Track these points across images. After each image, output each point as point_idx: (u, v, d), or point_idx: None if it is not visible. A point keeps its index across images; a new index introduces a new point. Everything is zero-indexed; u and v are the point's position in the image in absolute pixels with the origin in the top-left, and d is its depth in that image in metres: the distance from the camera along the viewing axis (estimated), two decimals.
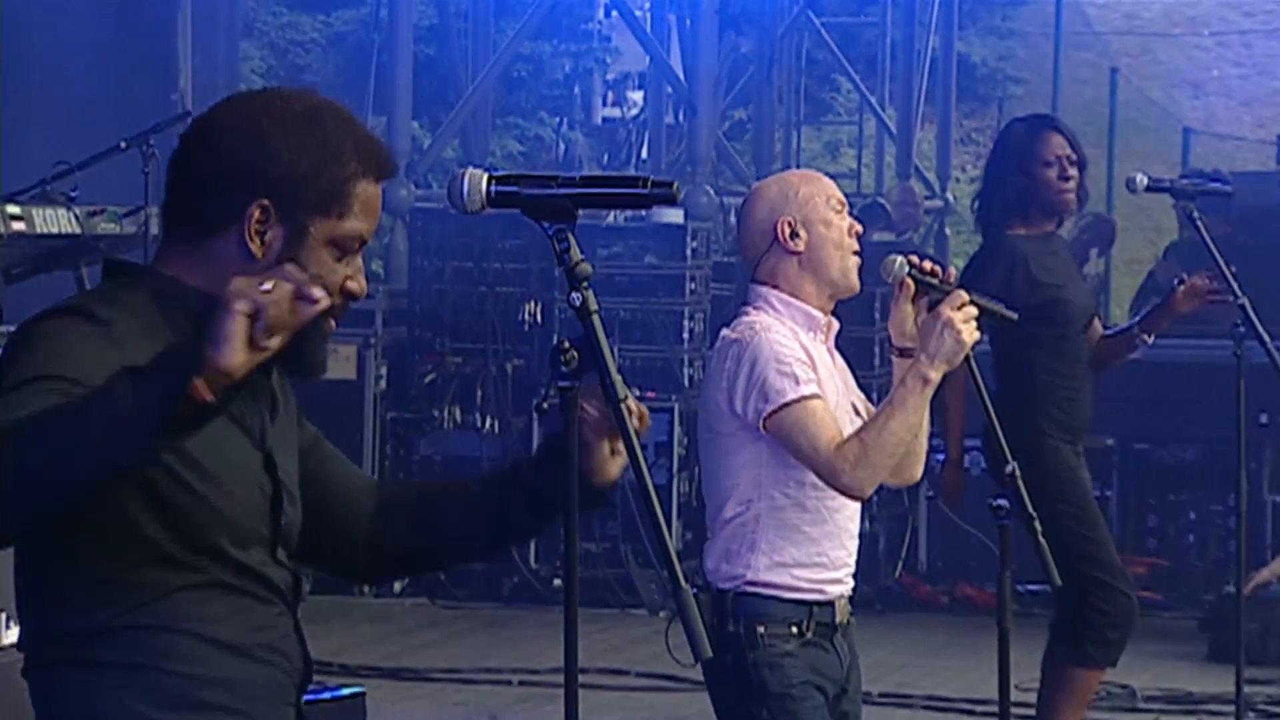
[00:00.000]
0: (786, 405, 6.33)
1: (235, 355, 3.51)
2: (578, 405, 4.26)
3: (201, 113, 4.15)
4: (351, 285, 4.07)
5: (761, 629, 6.40)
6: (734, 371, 6.46)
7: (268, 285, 3.56)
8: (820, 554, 6.56)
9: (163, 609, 3.96)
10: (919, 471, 6.74)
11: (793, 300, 6.58)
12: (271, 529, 4.09)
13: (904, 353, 6.42)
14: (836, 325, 6.65)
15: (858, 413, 6.65)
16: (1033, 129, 9.98)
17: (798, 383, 6.34)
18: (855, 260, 6.65)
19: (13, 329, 8.08)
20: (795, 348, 6.50)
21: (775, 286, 6.60)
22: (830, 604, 6.58)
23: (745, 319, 6.59)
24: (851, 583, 6.73)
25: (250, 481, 4.05)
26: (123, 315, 3.95)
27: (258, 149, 4.01)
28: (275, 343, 3.56)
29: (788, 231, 6.57)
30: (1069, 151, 9.66)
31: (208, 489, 3.96)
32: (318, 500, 4.30)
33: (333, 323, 4.03)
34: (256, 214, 3.98)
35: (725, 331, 6.65)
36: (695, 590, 6.02)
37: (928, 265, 6.51)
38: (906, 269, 6.37)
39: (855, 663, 6.77)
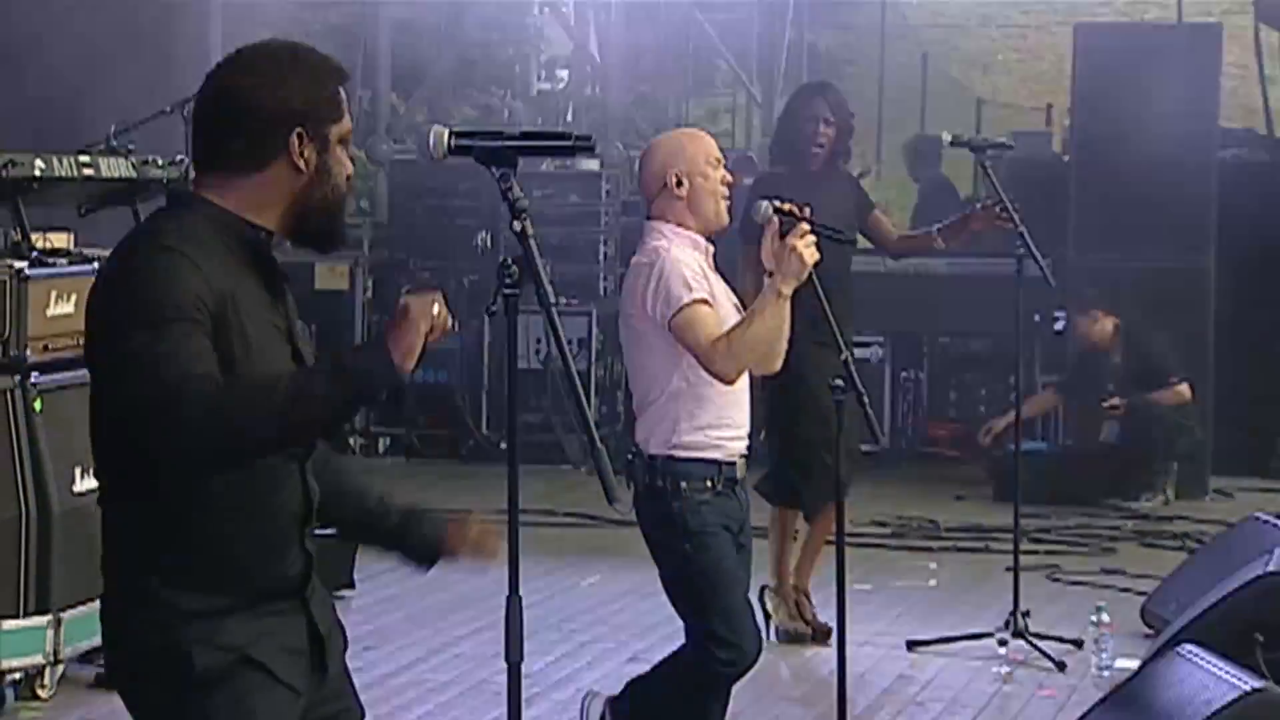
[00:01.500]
0: (682, 309, 6.42)
1: (414, 361, 3.81)
2: (517, 308, 4.38)
3: (214, 72, 4.18)
4: (352, 173, 4.22)
5: (684, 484, 6.50)
6: (645, 286, 6.55)
7: (437, 308, 3.83)
8: (725, 416, 6.65)
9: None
10: (778, 365, 6.74)
11: (679, 230, 6.66)
12: None
13: (771, 274, 6.50)
14: (713, 249, 6.72)
15: (739, 311, 6.71)
16: (804, 94, 10.10)
17: (690, 290, 6.43)
18: (725, 203, 6.78)
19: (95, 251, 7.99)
20: (691, 261, 6.60)
21: (666, 220, 6.70)
22: (733, 463, 6.66)
23: (649, 246, 6.67)
24: (747, 440, 6.79)
25: (283, 353, 4.08)
26: (192, 243, 3.95)
27: (277, 92, 4.05)
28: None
29: (674, 180, 6.69)
30: (827, 114, 9.60)
31: (256, 362, 3.97)
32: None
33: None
34: (296, 142, 4.03)
35: (636, 258, 6.73)
36: (631, 454, 6.62)
37: (787, 206, 6.59)
38: (772, 210, 6.51)
39: (748, 507, 6.85)
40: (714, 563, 6.55)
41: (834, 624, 8.02)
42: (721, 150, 6.98)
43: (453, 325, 4.01)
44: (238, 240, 4.05)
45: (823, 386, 7.02)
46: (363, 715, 4.36)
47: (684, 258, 6.63)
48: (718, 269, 6.79)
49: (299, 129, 4.05)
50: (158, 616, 3.98)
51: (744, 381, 6.75)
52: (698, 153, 6.80)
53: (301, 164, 4.06)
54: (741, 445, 6.77)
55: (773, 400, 8.87)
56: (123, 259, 4.05)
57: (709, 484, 6.56)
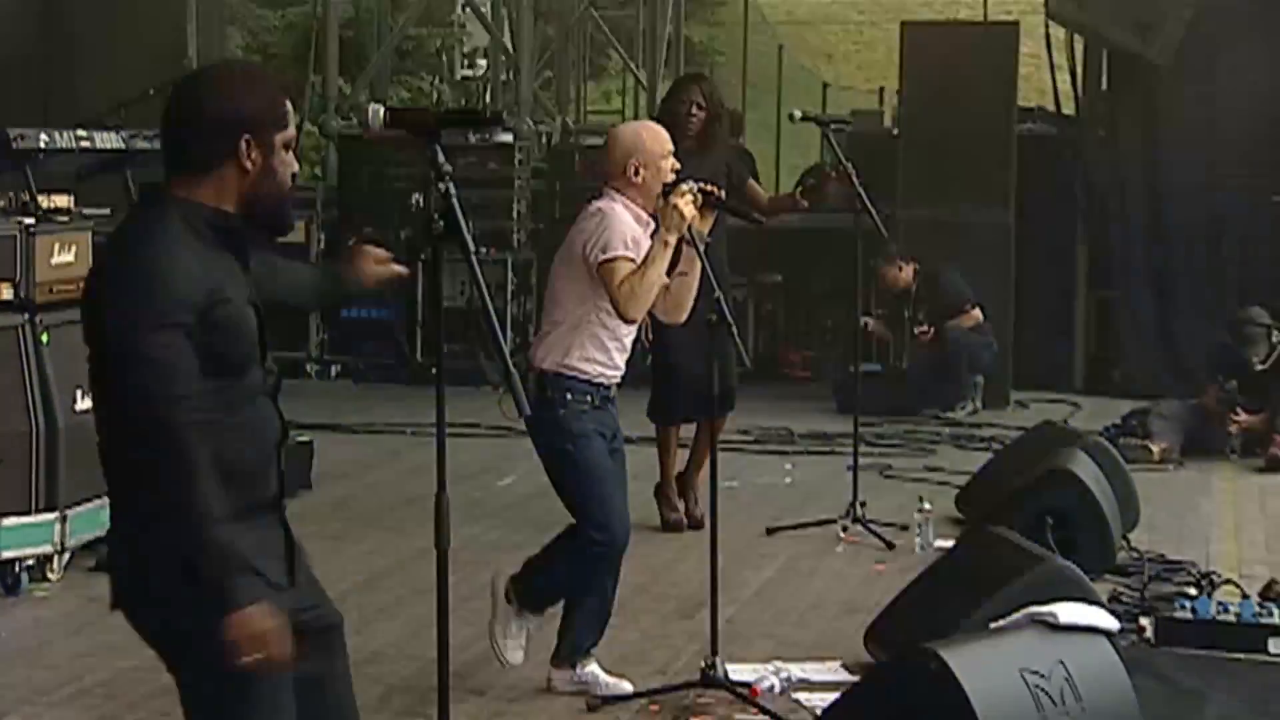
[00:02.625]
0: (614, 259, 6.51)
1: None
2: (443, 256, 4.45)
3: (179, 86, 4.19)
4: (296, 168, 4.22)
5: (569, 395, 6.54)
6: (592, 229, 6.61)
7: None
8: (609, 358, 6.68)
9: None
10: (683, 317, 6.88)
11: (630, 204, 6.70)
12: (260, 351, 4.10)
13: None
14: (653, 225, 6.67)
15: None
16: (683, 82, 10.02)
17: (625, 247, 6.53)
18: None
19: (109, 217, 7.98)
20: (633, 226, 6.66)
21: (622, 193, 6.72)
22: (609, 385, 6.72)
23: (604, 203, 6.72)
24: (623, 370, 6.82)
25: (252, 332, 4.08)
26: (169, 239, 3.98)
27: (231, 104, 4.05)
28: None
29: (633, 170, 6.72)
30: (699, 99, 9.54)
31: (236, 340, 4.03)
32: (276, 286, 4.48)
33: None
34: (244, 146, 4.03)
35: (594, 204, 6.79)
36: (525, 370, 6.50)
37: (709, 188, 6.74)
38: (697, 189, 6.63)
39: (617, 419, 6.86)
40: (591, 460, 6.59)
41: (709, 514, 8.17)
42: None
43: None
44: (209, 227, 4.05)
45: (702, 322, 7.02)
46: (340, 620, 4.32)
47: (629, 221, 6.70)
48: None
49: (246, 135, 4.04)
50: (170, 529, 3.93)
51: (630, 334, 6.82)
52: (654, 146, 6.84)
53: (248, 164, 4.06)
54: (615, 378, 6.78)
55: (662, 337, 8.84)
56: (122, 257, 4.05)
57: (588, 399, 6.62)
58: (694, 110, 9.51)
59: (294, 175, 4.20)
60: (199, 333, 3.90)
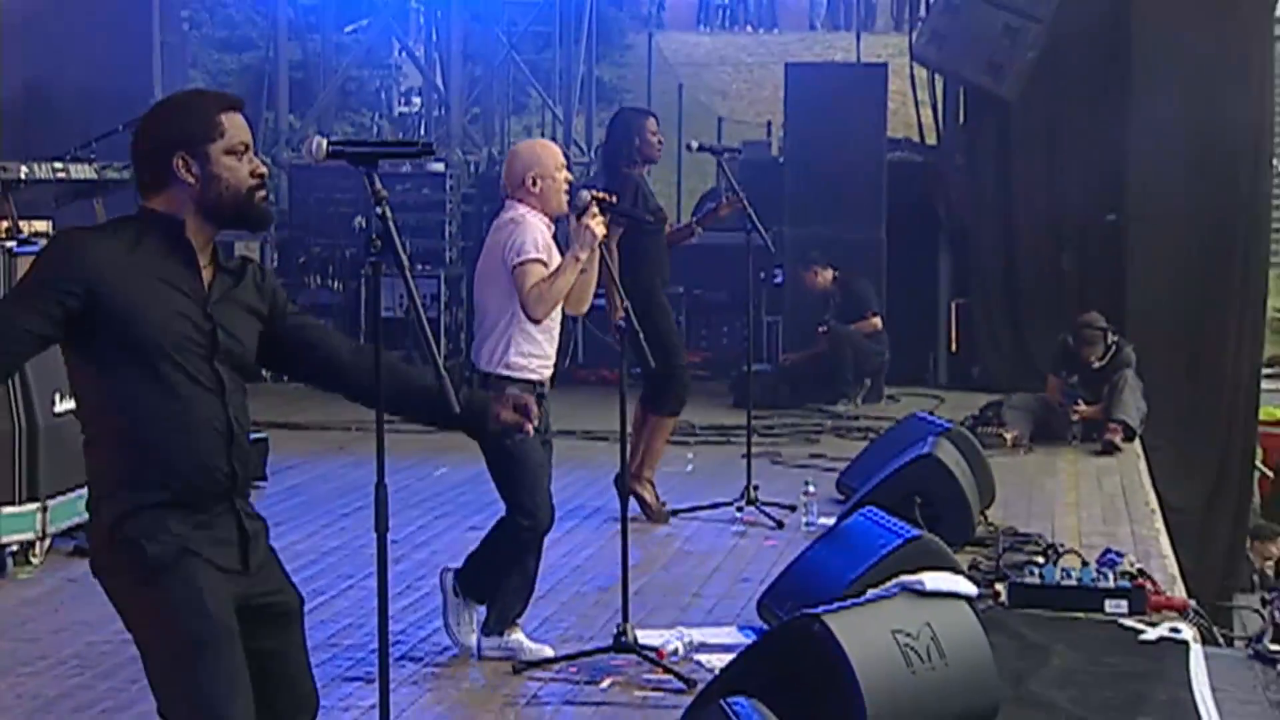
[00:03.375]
0: (525, 261, 6.51)
1: None
2: (381, 271, 4.42)
3: (145, 115, 4.15)
4: (260, 170, 4.11)
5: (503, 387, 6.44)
6: (508, 237, 6.60)
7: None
8: (541, 349, 6.67)
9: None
10: (584, 310, 6.91)
11: (532, 211, 6.70)
12: (210, 348, 4.01)
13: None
14: (554, 228, 6.74)
15: None
16: (639, 115, 9.83)
17: (536, 250, 6.53)
18: (564, 196, 6.80)
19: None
20: (544, 232, 6.69)
21: (525, 204, 6.72)
22: (543, 381, 6.68)
23: (514, 214, 6.72)
24: (553, 364, 6.82)
25: (172, 322, 3.99)
26: (94, 232, 4.05)
27: (163, 129, 4.05)
28: None
29: (531, 181, 6.72)
30: (657, 129, 9.54)
31: (142, 326, 3.96)
32: (302, 349, 4.34)
33: (265, 190, 4.14)
34: (179, 162, 4.00)
35: (500, 220, 6.77)
36: (468, 373, 6.59)
37: (601, 195, 6.74)
38: (590, 197, 6.66)
39: (549, 414, 6.77)
40: (524, 453, 6.52)
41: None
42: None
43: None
44: (164, 232, 4.03)
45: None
46: (302, 602, 4.25)
47: (540, 227, 6.71)
48: (557, 243, 6.80)
49: (180, 153, 4.01)
50: (116, 511, 3.92)
51: (555, 324, 6.77)
52: (549, 160, 6.85)
53: (189, 178, 4.02)
54: (549, 370, 6.76)
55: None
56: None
57: (539, 391, 6.58)
58: (658, 136, 9.47)
59: (259, 175, 4.12)
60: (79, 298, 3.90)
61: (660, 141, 9.49)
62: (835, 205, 13.62)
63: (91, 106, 11.57)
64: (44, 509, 8.06)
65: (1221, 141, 13.04)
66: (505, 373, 6.59)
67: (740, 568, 8.36)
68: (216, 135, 4.04)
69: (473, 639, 6.71)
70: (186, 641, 3.91)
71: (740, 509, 9.41)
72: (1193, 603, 7.76)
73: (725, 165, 10.04)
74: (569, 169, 7.08)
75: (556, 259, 6.74)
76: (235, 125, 4.07)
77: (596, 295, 7.14)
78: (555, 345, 6.84)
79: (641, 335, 6.92)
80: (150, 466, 3.96)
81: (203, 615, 3.92)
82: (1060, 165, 13.51)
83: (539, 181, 6.80)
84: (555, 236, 6.93)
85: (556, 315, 6.79)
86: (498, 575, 6.74)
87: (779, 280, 12.75)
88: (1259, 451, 14.26)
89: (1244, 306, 13.27)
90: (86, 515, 4.10)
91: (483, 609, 6.76)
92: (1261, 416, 14.24)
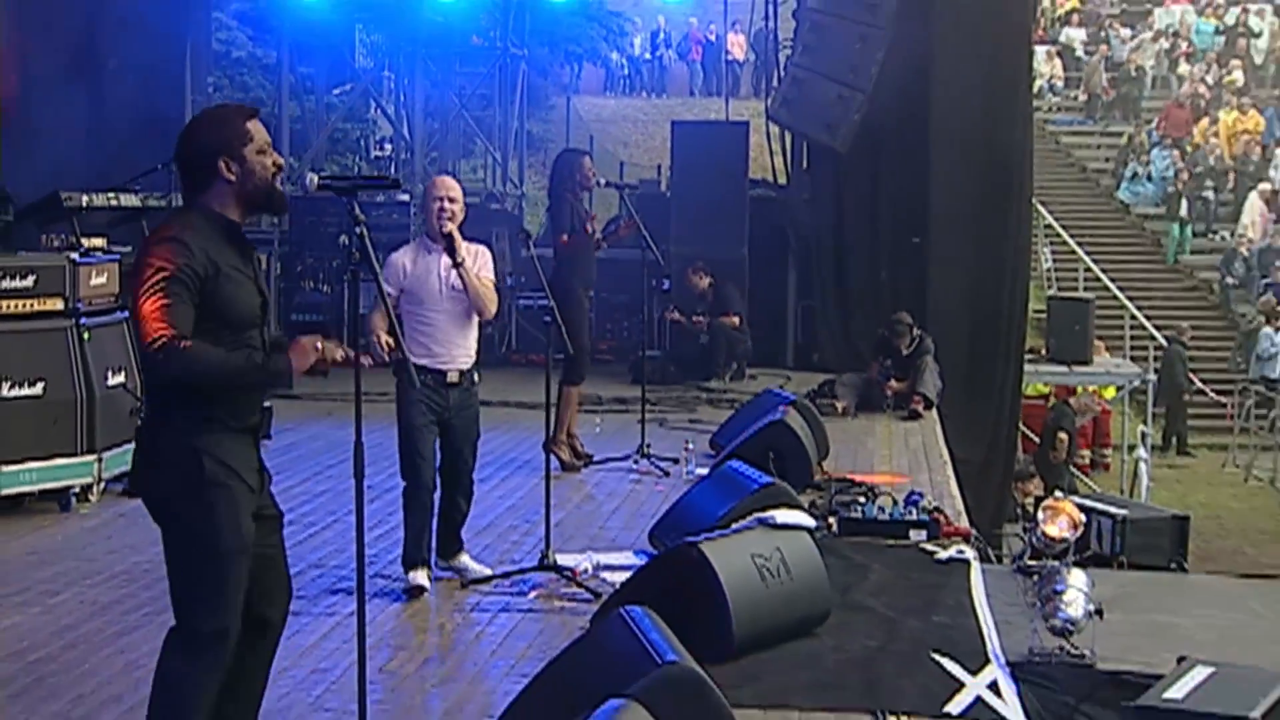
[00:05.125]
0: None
1: (302, 372, 4.07)
2: (359, 277, 4.44)
3: (181, 134, 4.12)
4: (279, 162, 4.13)
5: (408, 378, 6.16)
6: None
7: (320, 345, 4.07)
8: (432, 349, 6.37)
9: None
10: (493, 312, 6.52)
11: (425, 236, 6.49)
12: (261, 320, 4.09)
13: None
14: (441, 243, 6.41)
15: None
16: (578, 154, 9.65)
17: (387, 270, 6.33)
18: (435, 221, 6.39)
19: (130, 252, 8.00)
20: (409, 250, 6.49)
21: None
22: (443, 371, 6.39)
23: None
24: (461, 363, 6.44)
25: (253, 301, 4.08)
26: (187, 230, 3.98)
27: (207, 138, 4.04)
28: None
29: (437, 209, 6.39)
30: (591, 166, 9.38)
31: (239, 306, 4.03)
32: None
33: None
34: (222, 164, 4.01)
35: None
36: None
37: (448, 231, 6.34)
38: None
39: (464, 401, 6.50)
40: (408, 424, 6.37)
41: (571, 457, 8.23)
42: (462, 186, 6.77)
43: (335, 358, 4.18)
44: (222, 227, 4.04)
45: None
46: (281, 513, 4.31)
47: (408, 247, 6.54)
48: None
49: (222, 157, 4.02)
50: (184, 432, 3.94)
51: (454, 329, 6.43)
52: (430, 192, 6.49)
53: (231, 176, 4.03)
54: (453, 364, 6.44)
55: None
56: (147, 240, 4.05)
57: (427, 382, 6.30)
58: (594, 173, 9.36)
59: (279, 165, 4.14)
60: (198, 292, 3.92)
61: (594, 174, 9.40)
62: (709, 229, 13.60)
63: (135, 150, 11.42)
64: (99, 459, 8.01)
65: (995, 182, 13.17)
66: (412, 360, 6.15)
67: (636, 506, 8.38)
68: (247, 139, 4.07)
69: (426, 581, 6.51)
70: (219, 550, 3.95)
71: (636, 461, 9.43)
72: (973, 531, 7.86)
73: (626, 198, 10.00)
74: (495, 201, 6.94)
75: (414, 277, 6.41)
76: (258, 129, 4.10)
77: (532, 298, 7.03)
78: (456, 343, 6.45)
79: (562, 326, 6.92)
80: (226, 406, 4.00)
81: (238, 530, 3.99)
82: (878, 200, 13.56)
83: (423, 211, 6.56)
84: (495, 253, 6.81)
85: (435, 320, 6.42)
86: (411, 532, 6.53)
87: (666, 287, 12.72)
88: (1022, 418, 14.39)
89: (1012, 308, 13.40)
90: (139, 456, 4.10)
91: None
92: (1025, 392, 14.40)
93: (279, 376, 4.06)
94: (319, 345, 4.12)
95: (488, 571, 6.74)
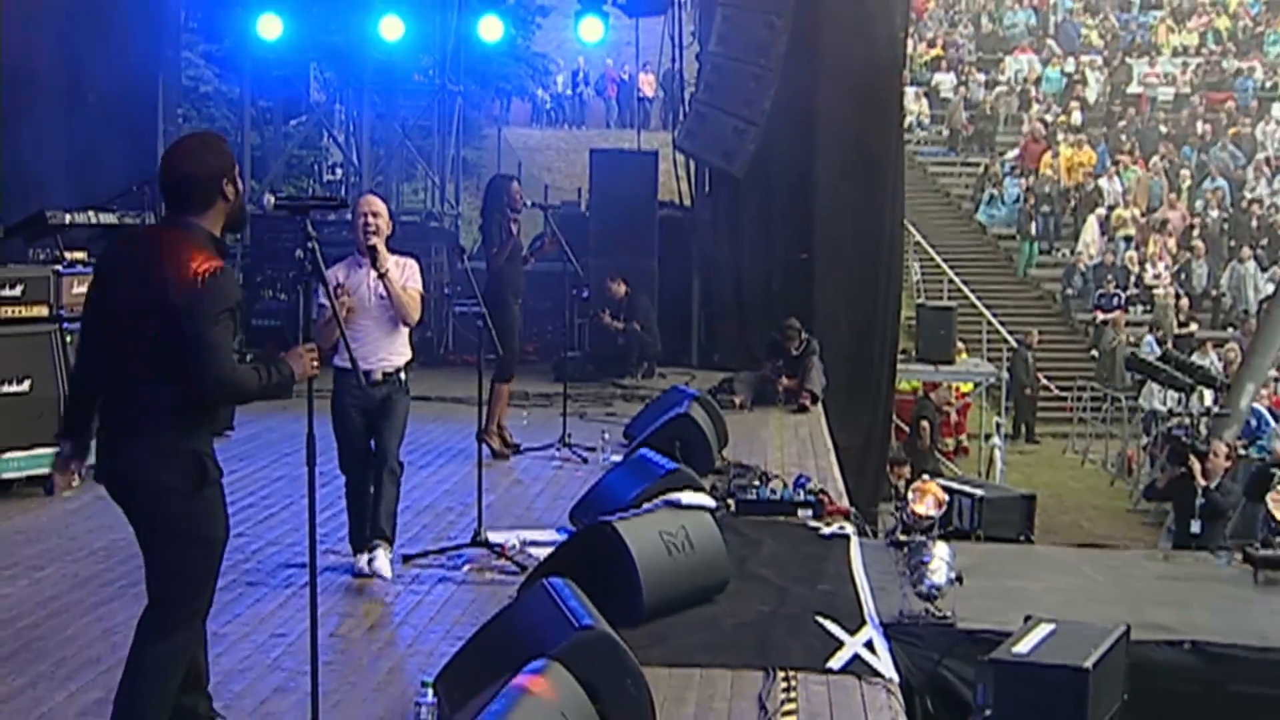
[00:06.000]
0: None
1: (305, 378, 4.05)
2: (311, 286, 4.47)
3: (173, 154, 4.02)
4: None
5: (340, 380, 6.10)
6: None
7: (312, 354, 4.06)
8: (360, 352, 6.02)
9: None
10: (415, 319, 6.28)
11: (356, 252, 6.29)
12: (238, 331, 4.02)
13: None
14: (368, 258, 6.20)
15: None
16: (508, 179, 9.58)
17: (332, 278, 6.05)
18: (361, 235, 6.24)
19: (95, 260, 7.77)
20: (340, 269, 6.23)
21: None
22: (371, 371, 6.11)
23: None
24: (389, 365, 6.19)
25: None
26: (207, 249, 3.90)
27: (216, 161, 3.98)
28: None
29: (362, 224, 6.24)
30: (520, 189, 9.36)
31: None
32: None
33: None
34: (225, 185, 3.97)
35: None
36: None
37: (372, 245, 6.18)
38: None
39: (390, 399, 6.20)
40: (339, 420, 6.16)
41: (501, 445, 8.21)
42: (396, 207, 6.69)
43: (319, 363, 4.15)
44: (216, 244, 3.99)
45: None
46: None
47: (345, 262, 6.31)
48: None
49: (225, 179, 3.98)
50: (187, 436, 3.89)
51: (379, 329, 6.18)
52: (356, 208, 6.33)
53: (230, 195, 3.99)
54: (378, 365, 6.15)
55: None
56: (182, 257, 3.86)
57: (355, 382, 6.03)
58: (521, 196, 9.32)
59: (239, 191, 4.11)
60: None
61: (521, 197, 9.35)
62: (623, 245, 13.57)
63: (112, 172, 11.21)
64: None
65: (871, 205, 13.28)
66: (340, 364, 6.02)
67: (558, 489, 8.34)
68: (235, 164, 4.07)
69: (388, 569, 6.23)
70: (212, 539, 3.94)
71: (559, 450, 9.39)
72: (853, 510, 7.92)
73: (550, 217, 9.97)
74: (434, 219, 6.86)
75: (346, 289, 6.18)
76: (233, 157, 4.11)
77: (467, 305, 6.93)
78: (382, 344, 6.20)
79: (494, 330, 6.87)
80: (216, 414, 4.02)
81: (225, 522, 4.00)
82: (770, 220, 13.60)
83: (353, 226, 6.31)
84: (424, 269, 6.64)
85: (363, 325, 6.16)
86: (351, 518, 6.37)
87: (585, 295, 12.72)
88: (895, 410, 14.53)
89: (886, 315, 13.52)
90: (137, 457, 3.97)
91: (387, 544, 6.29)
92: (897, 387, 14.53)
93: (291, 382, 4.03)
94: (311, 349, 4.12)
95: (388, 575, 6.22)
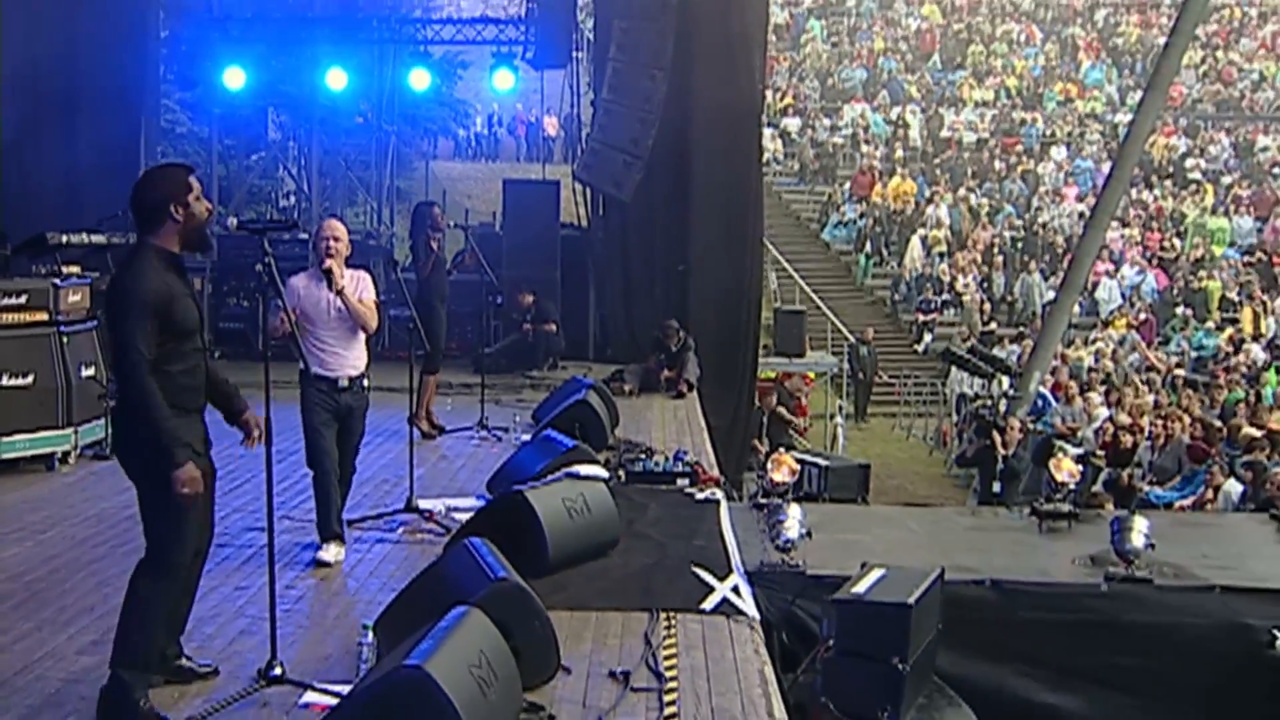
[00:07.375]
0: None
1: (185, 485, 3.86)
2: (269, 296, 4.44)
3: (136, 184, 3.99)
4: (210, 208, 4.05)
5: (311, 386, 5.75)
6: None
7: (190, 487, 3.85)
8: (325, 361, 5.71)
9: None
10: (374, 328, 5.88)
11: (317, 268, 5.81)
12: (200, 328, 4.01)
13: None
14: (324, 278, 5.78)
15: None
16: (431, 205, 9.39)
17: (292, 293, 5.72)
18: (322, 254, 5.80)
19: (98, 276, 7.63)
20: (300, 280, 5.83)
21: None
22: (337, 379, 5.73)
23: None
24: (352, 371, 5.76)
25: (194, 315, 3.96)
26: (147, 270, 3.88)
27: (162, 188, 3.93)
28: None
29: (324, 247, 5.84)
30: (442, 213, 9.24)
31: (185, 320, 3.93)
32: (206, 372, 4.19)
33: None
34: (173, 209, 3.91)
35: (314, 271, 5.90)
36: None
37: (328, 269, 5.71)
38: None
39: (354, 401, 5.82)
40: (307, 423, 5.78)
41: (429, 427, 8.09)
42: (347, 228, 6.28)
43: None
44: (167, 259, 3.93)
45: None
46: (215, 472, 4.28)
47: (303, 275, 5.88)
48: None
49: (172, 203, 3.90)
50: (162, 414, 3.85)
51: (340, 340, 5.77)
52: (322, 233, 5.91)
53: (179, 217, 3.92)
54: (342, 372, 5.74)
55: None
56: (121, 271, 3.94)
57: (321, 385, 5.72)
58: (444, 218, 9.18)
59: (209, 210, 4.04)
60: (159, 315, 3.82)
61: (443, 219, 9.26)
62: (531, 259, 13.40)
63: (101, 199, 10.93)
64: (76, 431, 7.88)
65: (736, 227, 13.37)
66: (313, 371, 5.70)
67: (477, 464, 8.27)
68: (189, 190, 3.96)
69: (339, 555, 5.86)
70: (189, 498, 3.91)
71: (477, 431, 9.33)
72: (722, 478, 7.99)
73: (469, 235, 9.90)
74: (372, 238, 6.74)
75: (306, 300, 5.79)
76: (195, 183, 4.01)
77: (399, 309, 6.83)
78: (343, 356, 5.78)
79: (423, 330, 6.79)
80: (184, 393, 3.97)
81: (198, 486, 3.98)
82: (653, 238, 13.62)
83: (315, 247, 5.92)
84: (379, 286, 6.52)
85: (325, 337, 5.78)
86: (320, 508, 5.92)
87: (499, 301, 12.59)
88: (757, 395, 14.65)
89: (749, 316, 13.62)
90: (115, 432, 4.10)
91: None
92: (759, 376, 14.66)
93: (169, 452, 3.80)
94: (196, 479, 3.88)
95: (332, 562, 5.82)
